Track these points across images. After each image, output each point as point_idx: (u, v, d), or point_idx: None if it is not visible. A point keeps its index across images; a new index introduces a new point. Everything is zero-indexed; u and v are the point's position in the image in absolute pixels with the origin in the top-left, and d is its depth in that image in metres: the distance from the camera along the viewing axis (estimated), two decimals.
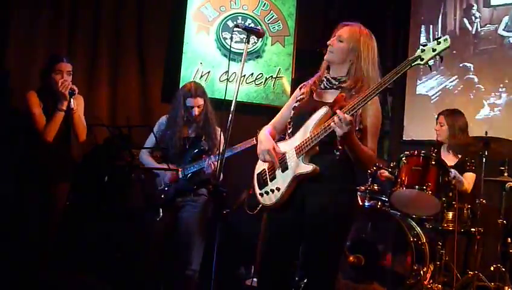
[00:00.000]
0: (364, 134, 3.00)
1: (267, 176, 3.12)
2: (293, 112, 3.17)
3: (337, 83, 3.08)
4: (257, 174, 3.21)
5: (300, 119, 3.07)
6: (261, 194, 3.14)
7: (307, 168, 2.94)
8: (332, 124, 2.80)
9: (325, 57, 3.12)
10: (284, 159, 3.04)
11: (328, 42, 3.10)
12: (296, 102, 3.18)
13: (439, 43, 2.75)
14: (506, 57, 6.03)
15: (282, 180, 3.04)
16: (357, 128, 2.95)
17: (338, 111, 2.79)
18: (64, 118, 4.38)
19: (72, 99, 4.38)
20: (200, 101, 4.51)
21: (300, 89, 3.22)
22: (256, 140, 4.41)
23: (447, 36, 2.76)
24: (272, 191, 3.07)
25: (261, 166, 3.20)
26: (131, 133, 4.49)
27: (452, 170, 4.76)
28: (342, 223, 3.04)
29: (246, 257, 5.24)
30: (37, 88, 4.47)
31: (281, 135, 3.27)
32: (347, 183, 3.06)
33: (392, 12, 6.93)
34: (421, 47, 2.79)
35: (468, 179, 4.93)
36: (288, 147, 3.06)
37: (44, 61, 4.54)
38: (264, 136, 3.16)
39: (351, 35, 3.04)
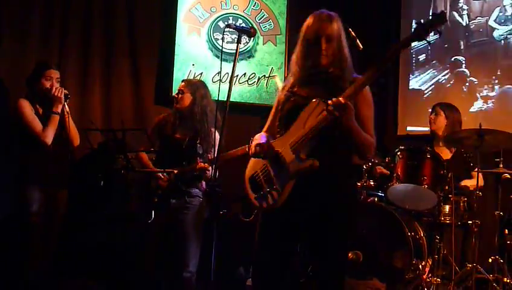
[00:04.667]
0: (360, 122, 2.91)
1: (261, 178, 2.99)
2: (280, 113, 3.06)
3: (323, 75, 2.96)
4: (249, 179, 3.05)
5: (290, 116, 2.96)
6: (257, 198, 2.99)
7: (305, 164, 2.84)
8: (327, 112, 2.73)
9: (321, 63, 2.94)
10: (278, 158, 2.91)
11: (322, 49, 2.93)
12: (283, 103, 3.06)
13: (434, 17, 2.72)
14: (497, 49, 6.06)
15: (279, 180, 2.91)
16: None
17: (333, 99, 2.73)
18: (58, 123, 4.39)
19: (65, 104, 4.42)
20: (181, 87, 4.56)
21: (283, 89, 3.12)
22: (249, 148, 4.43)
23: (442, 9, 2.74)
24: (270, 193, 2.93)
25: (252, 169, 3.06)
26: (126, 136, 4.48)
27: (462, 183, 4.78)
28: (344, 218, 2.92)
29: (245, 256, 5.24)
30: (25, 95, 4.45)
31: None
32: (347, 177, 2.99)
33: (383, 9, 6.94)
34: (415, 25, 2.74)
35: (479, 178, 4.87)
36: (282, 145, 2.93)
37: (33, 69, 4.52)
38: (258, 135, 3.09)
39: (335, 31, 2.95)
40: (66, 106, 4.44)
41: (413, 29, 2.77)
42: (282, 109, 3.06)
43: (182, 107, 4.55)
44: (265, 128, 3.20)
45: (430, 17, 2.75)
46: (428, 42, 2.81)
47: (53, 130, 4.36)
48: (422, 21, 2.75)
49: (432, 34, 2.76)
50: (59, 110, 4.38)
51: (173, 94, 4.60)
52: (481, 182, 4.85)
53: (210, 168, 4.35)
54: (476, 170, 4.69)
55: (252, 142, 3.08)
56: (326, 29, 2.95)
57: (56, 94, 4.35)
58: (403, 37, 6.57)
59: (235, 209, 5.05)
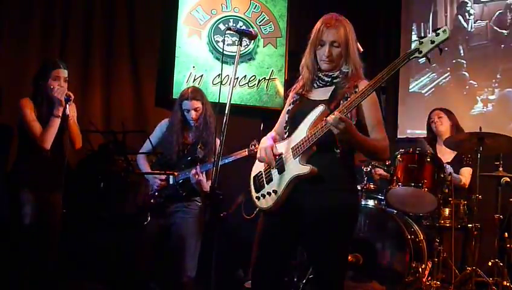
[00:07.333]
0: (368, 126, 2.94)
1: (264, 178, 3.05)
2: (287, 115, 3.09)
3: (329, 79, 3.01)
4: (253, 177, 3.12)
5: (296, 120, 2.99)
6: (258, 197, 3.06)
7: (304, 169, 2.86)
8: (327, 123, 2.72)
9: (324, 68, 3.00)
10: (281, 161, 2.96)
11: (325, 55, 2.96)
12: (290, 105, 3.11)
13: (437, 34, 2.66)
14: (497, 52, 6.07)
15: (278, 183, 2.95)
16: (354, 122, 2.88)
17: (333, 114, 2.72)
18: (59, 127, 4.29)
19: (67, 106, 4.28)
20: (197, 104, 4.46)
21: (292, 91, 3.15)
22: (248, 152, 4.43)
23: (446, 27, 2.66)
24: (269, 193, 2.99)
25: (257, 169, 3.12)
26: (126, 138, 4.47)
27: (448, 167, 4.77)
28: (342, 224, 2.92)
29: (244, 259, 5.24)
30: (30, 94, 4.37)
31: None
32: (347, 182, 2.97)
33: (384, 12, 6.95)
34: (419, 39, 2.70)
35: (466, 174, 4.97)
36: (285, 148, 2.98)
37: (40, 67, 4.44)
38: (265, 138, 3.11)
39: (342, 35, 2.94)
40: (68, 109, 4.29)
41: (414, 47, 2.72)
42: (289, 111, 3.10)
43: (197, 120, 4.53)
44: (275, 128, 3.24)
45: (436, 37, 2.68)
46: (428, 59, 2.77)
47: (52, 134, 4.24)
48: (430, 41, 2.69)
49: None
50: (59, 114, 4.25)
51: (190, 114, 4.53)
52: (466, 180, 4.91)
53: (204, 178, 4.34)
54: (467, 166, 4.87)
55: (259, 145, 3.12)
56: (331, 35, 2.95)
57: (56, 96, 4.23)
58: (403, 37, 6.67)
59: (237, 205, 5.05)
